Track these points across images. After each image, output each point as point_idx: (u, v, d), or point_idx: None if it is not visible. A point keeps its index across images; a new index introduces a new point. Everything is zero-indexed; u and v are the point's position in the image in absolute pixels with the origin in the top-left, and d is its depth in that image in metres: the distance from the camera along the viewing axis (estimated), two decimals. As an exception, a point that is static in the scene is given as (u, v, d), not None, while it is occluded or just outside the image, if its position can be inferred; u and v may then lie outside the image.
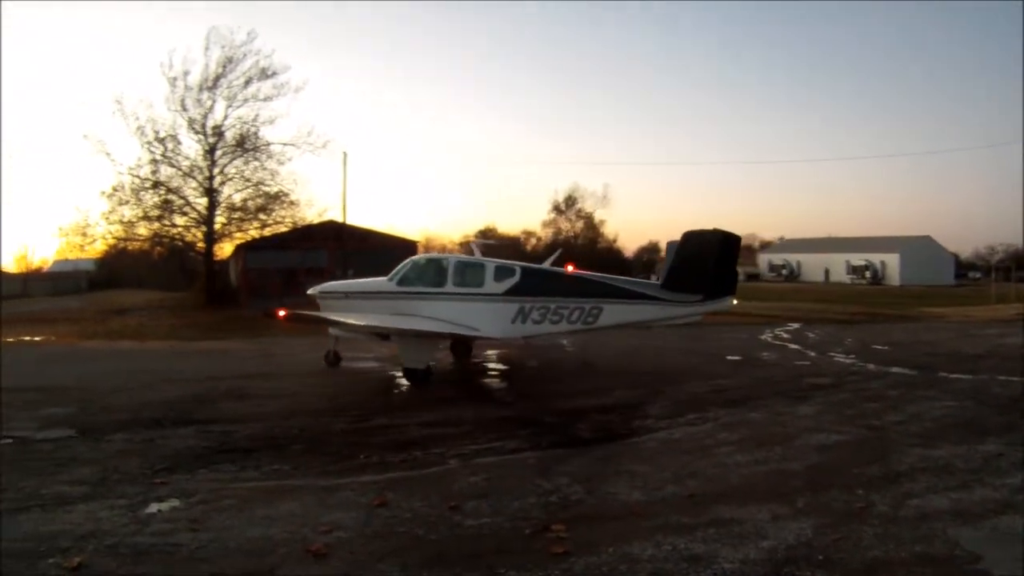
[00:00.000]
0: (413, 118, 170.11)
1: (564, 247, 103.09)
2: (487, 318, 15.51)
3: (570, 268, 16.53)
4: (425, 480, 8.58)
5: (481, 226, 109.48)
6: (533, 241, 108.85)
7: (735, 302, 16.08)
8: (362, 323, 15.20)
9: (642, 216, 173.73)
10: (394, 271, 16.71)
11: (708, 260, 15.30)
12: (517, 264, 16.32)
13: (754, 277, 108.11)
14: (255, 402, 13.87)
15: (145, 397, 14.38)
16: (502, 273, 15.82)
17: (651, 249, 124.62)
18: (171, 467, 9.31)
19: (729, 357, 20.39)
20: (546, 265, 17.31)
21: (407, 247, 46.87)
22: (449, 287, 15.91)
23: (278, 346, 23.72)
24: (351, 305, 16.47)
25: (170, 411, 12.88)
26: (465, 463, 9.27)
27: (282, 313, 13.07)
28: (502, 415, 12.34)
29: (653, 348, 22.84)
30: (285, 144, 43.32)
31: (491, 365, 18.65)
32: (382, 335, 15.86)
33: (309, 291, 17.99)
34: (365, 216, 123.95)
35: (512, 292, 15.59)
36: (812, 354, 21.61)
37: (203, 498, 8.08)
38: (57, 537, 6.84)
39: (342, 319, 14.99)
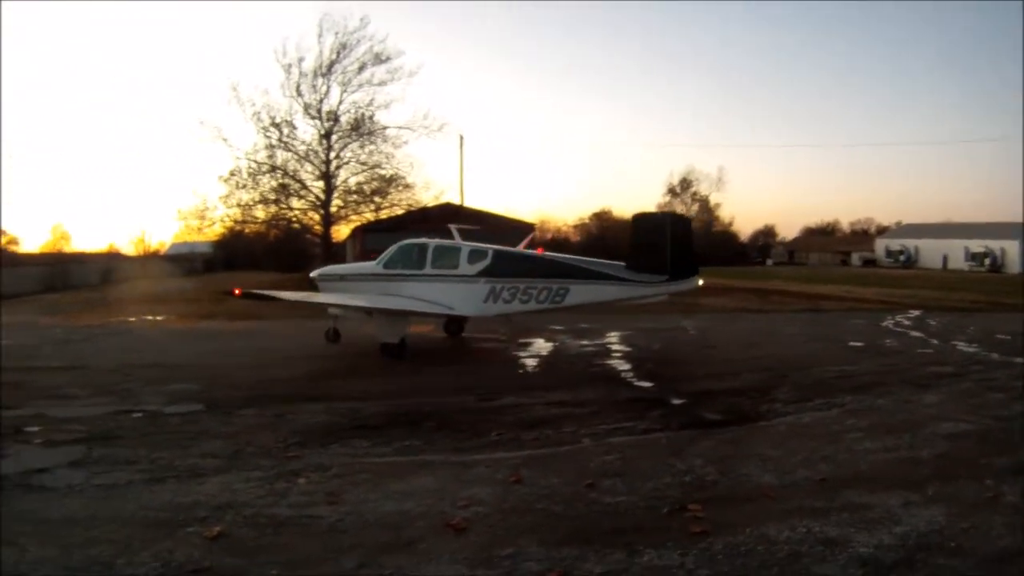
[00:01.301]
0: (528, 101, 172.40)
1: None
2: (461, 297, 17.20)
3: (540, 251, 18.41)
4: (559, 458, 8.80)
5: (596, 209, 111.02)
6: None
7: (700, 282, 17.24)
8: (317, 301, 17.76)
9: (759, 199, 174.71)
10: (382, 255, 18.59)
11: (663, 241, 16.33)
12: (490, 247, 17.77)
13: (871, 263, 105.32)
14: (382, 380, 14.45)
15: (270, 374, 15.07)
16: (475, 256, 17.46)
17: (766, 233, 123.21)
18: (303, 442, 9.72)
19: (851, 343, 20.26)
20: (519, 248, 19.19)
21: (523, 230, 47.61)
22: (428, 269, 17.68)
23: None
24: (345, 286, 18.46)
25: (297, 388, 13.51)
26: (598, 442, 9.50)
27: (237, 291, 15.40)
28: (630, 396, 12.69)
29: (774, 333, 22.90)
30: (400, 128, 45.21)
31: (615, 347, 19.06)
32: (367, 312, 17.51)
33: (311, 274, 19.88)
34: (482, 198, 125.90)
35: (484, 273, 17.24)
36: (935, 342, 21.21)
37: (338, 472, 8.39)
38: (194, 507, 7.20)
39: (297, 297, 17.76)
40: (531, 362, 16.72)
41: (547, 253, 18.24)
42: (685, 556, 5.91)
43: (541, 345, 19.54)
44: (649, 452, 9.04)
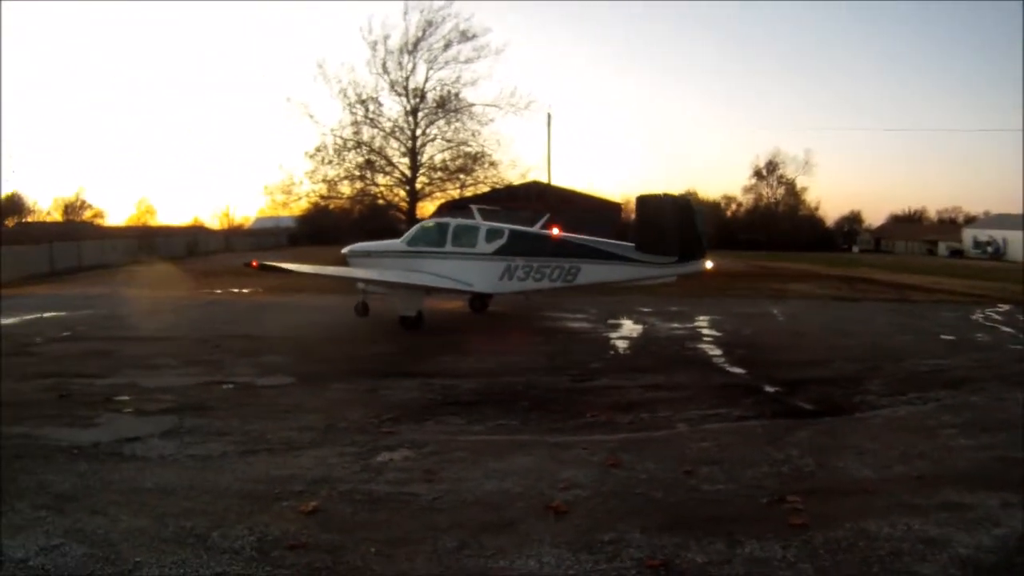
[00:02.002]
0: (615, 80, 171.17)
1: (764, 214, 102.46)
2: (478, 275, 18.24)
3: (555, 231, 18.99)
4: (656, 443, 8.81)
5: (682, 189, 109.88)
6: (733, 207, 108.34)
7: (709, 265, 17.66)
8: (338, 274, 19.42)
9: (846, 184, 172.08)
10: (406, 234, 20.20)
11: (670, 224, 16.86)
12: (507, 226, 18.92)
13: (957, 253, 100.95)
14: (474, 358, 14.56)
15: (359, 349, 15.34)
16: (492, 235, 18.55)
17: (852, 219, 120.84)
18: (397, 417, 9.74)
19: (943, 336, 19.60)
20: (535, 228, 20.44)
21: (610, 209, 49.21)
22: (448, 247, 18.75)
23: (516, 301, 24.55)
24: (372, 262, 19.58)
25: (387, 363, 13.70)
26: (694, 428, 9.48)
27: (254, 263, 16.74)
28: (723, 382, 12.66)
29: (863, 322, 22.29)
30: (487, 105, 45.98)
31: (705, 331, 18.99)
32: (389, 287, 18.40)
33: (343, 250, 21.10)
34: (569, 177, 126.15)
35: (500, 252, 18.28)
36: (1028, 338, 20.32)
37: (434, 449, 8.37)
38: (289, 481, 7.20)
39: (310, 270, 19.31)
40: (622, 344, 16.76)
41: (562, 234, 18.92)
42: (786, 549, 5.83)
43: (631, 327, 19.53)
44: (745, 440, 9.01)
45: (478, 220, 19.51)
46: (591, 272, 17.66)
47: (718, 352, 15.75)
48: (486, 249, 18.35)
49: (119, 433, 8.80)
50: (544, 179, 46.83)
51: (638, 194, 18.44)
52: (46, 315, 21.41)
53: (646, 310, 22.98)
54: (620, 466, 7.80)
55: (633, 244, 17.52)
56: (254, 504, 6.58)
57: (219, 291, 28.21)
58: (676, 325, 20.01)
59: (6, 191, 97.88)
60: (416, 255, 18.95)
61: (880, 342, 17.92)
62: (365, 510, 6.52)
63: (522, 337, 17.62)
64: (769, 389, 11.97)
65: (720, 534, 6.02)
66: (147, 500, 6.66)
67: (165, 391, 11.16)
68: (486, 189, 46.11)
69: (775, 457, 8.23)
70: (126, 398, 10.73)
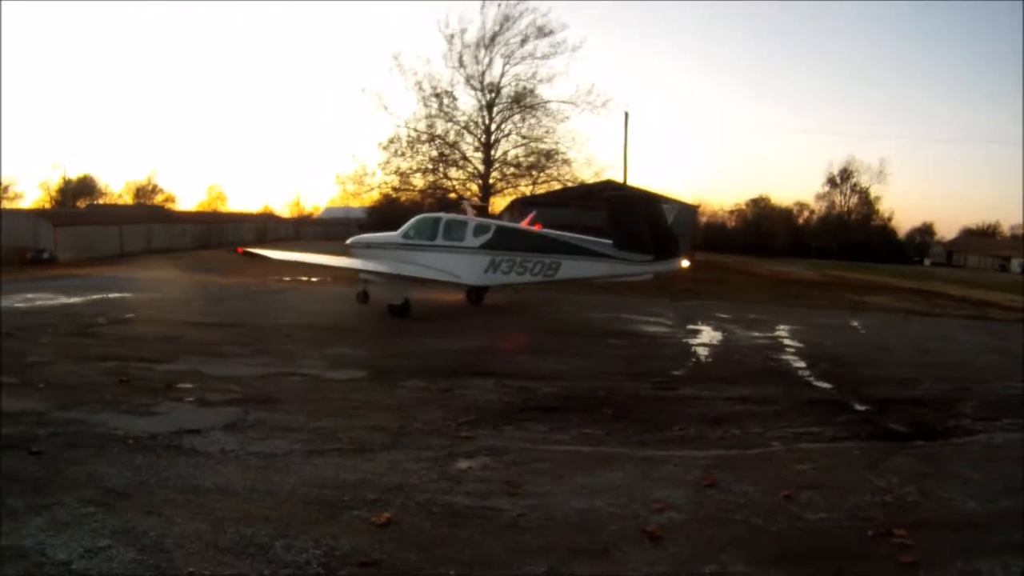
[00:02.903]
0: (691, 81, 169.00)
1: (836, 223, 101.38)
2: (465, 267, 19.44)
3: (538, 228, 20.48)
4: (751, 462, 8.35)
5: (753, 195, 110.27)
6: (806, 214, 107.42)
7: (686, 264, 19.14)
8: (308, 262, 20.67)
9: (919, 195, 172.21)
10: (402, 227, 20.98)
11: (641, 222, 18.06)
12: (494, 222, 20.46)
13: None
14: (554, 359, 14.09)
15: (437, 344, 14.98)
16: (479, 230, 19.81)
17: (924, 231, 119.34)
18: (475, 421, 9.25)
19: None
20: (520, 224, 21.70)
21: (687, 210, 47.97)
22: (439, 240, 19.90)
23: (563, 300, 24.63)
24: (371, 253, 20.70)
25: (463, 360, 13.30)
26: (788, 447, 9.05)
27: (240, 250, 18.60)
28: (811, 397, 12.11)
29: (946, 339, 21.44)
30: (563, 102, 46.23)
31: (786, 341, 18.38)
32: (382, 277, 19.34)
33: (347, 241, 22.63)
34: (642, 177, 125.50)
35: (486, 246, 19.48)
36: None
37: (515, 458, 7.85)
38: (360, 487, 6.73)
39: (290, 258, 20.33)
40: (703, 351, 16.20)
41: (544, 230, 20.39)
42: (899, 591, 5.40)
43: (710, 334, 18.97)
44: (843, 463, 8.54)
45: (468, 216, 20.77)
46: (571, 268, 18.85)
47: (802, 364, 15.14)
48: (473, 243, 19.57)
49: (179, 424, 8.45)
50: (619, 178, 46.41)
51: (607, 193, 21.13)
52: (111, 296, 21.55)
53: (724, 316, 22.55)
54: (716, 486, 7.30)
55: (611, 242, 18.61)
56: (321, 512, 6.12)
57: (287, 278, 28.19)
58: (756, 334, 19.53)
59: (77, 173, 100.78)
60: (410, 247, 20.13)
61: (967, 361, 17.22)
62: (444, 525, 6.03)
63: (600, 340, 17.09)
64: (859, 407, 11.38)
65: (829, 571, 5.68)
66: (205, 501, 6.24)
67: (229, 380, 10.84)
68: (559, 187, 46.27)
69: (876, 484, 7.76)
70: (188, 386, 10.43)
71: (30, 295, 21.11)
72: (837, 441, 9.39)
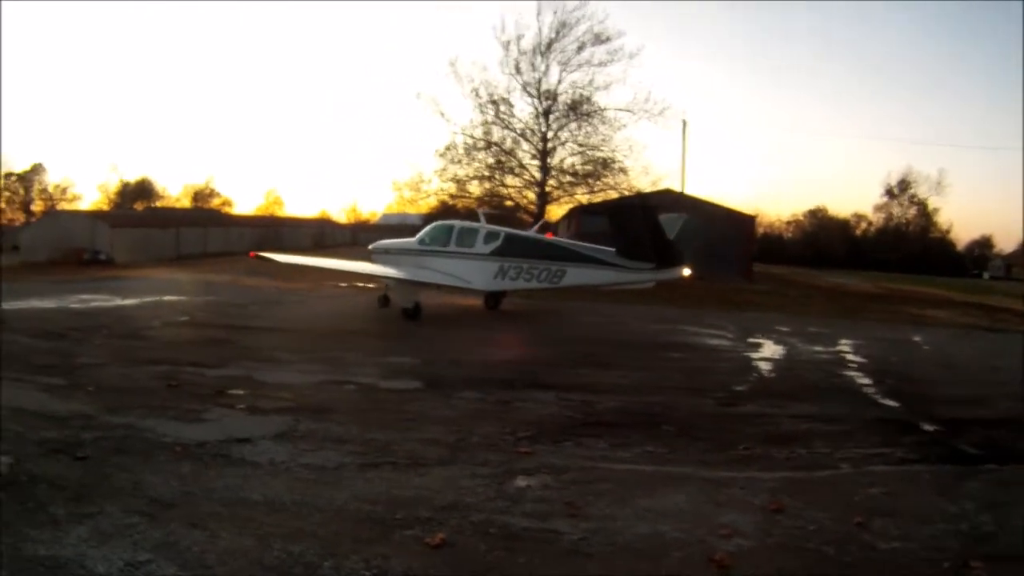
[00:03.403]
0: (745, 89, 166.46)
1: (894, 235, 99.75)
2: (476, 273, 20.02)
3: (548, 236, 21.34)
4: (819, 485, 7.98)
5: (811, 206, 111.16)
6: (863, 225, 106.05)
7: (687, 272, 19.18)
8: (317, 265, 20.85)
9: (978, 207, 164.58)
10: (419, 233, 22.09)
11: (642, 230, 18.37)
12: (503, 230, 21.02)
13: None
14: (611, 372, 13.81)
15: (494, 354, 14.86)
16: (490, 237, 20.41)
17: (983, 243, 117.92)
18: (534, 436, 8.93)
19: None
20: (530, 232, 22.12)
21: (744, 220, 48.22)
22: (452, 247, 20.61)
23: (622, 312, 24.36)
24: (390, 258, 21.53)
25: (522, 372, 13.01)
26: (857, 469, 8.63)
27: (252, 254, 19.05)
28: (878, 416, 11.61)
29: (1014, 356, 20.50)
30: (620, 110, 45.61)
31: (849, 356, 17.88)
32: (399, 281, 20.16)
33: (369, 247, 23.64)
34: (698, 186, 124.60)
35: (496, 253, 20.08)
36: None
37: (576, 477, 7.54)
38: (414, 504, 6.47)
39: (299, 261, 20.86)
40: (764, 366, 15.77)
41: (553, 238, 21.38)
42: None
43: (771, 348, 18.53)
44: (914, 488, 8.09)
45: (480, 223, 21.32)
46: (576, 275, 19.40)
47: (867, 381, 14.65)
48: (484, 250, 20.19)
49: (228, 432, 8.31)
50: (676, 187, 46.15)
51: (606, 202, 22.22)
52: (166, 298, 21.70)
53: (785, 329, 22.08)
54: (784, 512, 6.92)
55: (614, 250, 19.02)
56: (373, 530, 5.89)
57: (344, 285, 28.22)
58: (818, 348, 19.03)
59: (136, 176, 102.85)
60: (425, 253, 20.91)
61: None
62: (500, 548, 5.75)
63: (660, 352, 16.80)
64: (928, 427, 10.95)
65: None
66: (252, 514, 6.05)
67: (281, 388, 10.72)
68: (615, 195, 45.19)
69: (949, 511, 7.35)
70: (239, 392, 10.33)
71: (85, 296, 21.35)
72: (907, 463, 8.99)
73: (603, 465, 8.03)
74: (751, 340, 19.41)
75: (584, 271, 19.30)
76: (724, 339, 19.60)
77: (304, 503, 6.35)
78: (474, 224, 21.39)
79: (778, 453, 8.95)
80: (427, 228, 22.13)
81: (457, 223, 21.89)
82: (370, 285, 28.28)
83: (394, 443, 8.24)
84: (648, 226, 18.41)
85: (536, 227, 22.97)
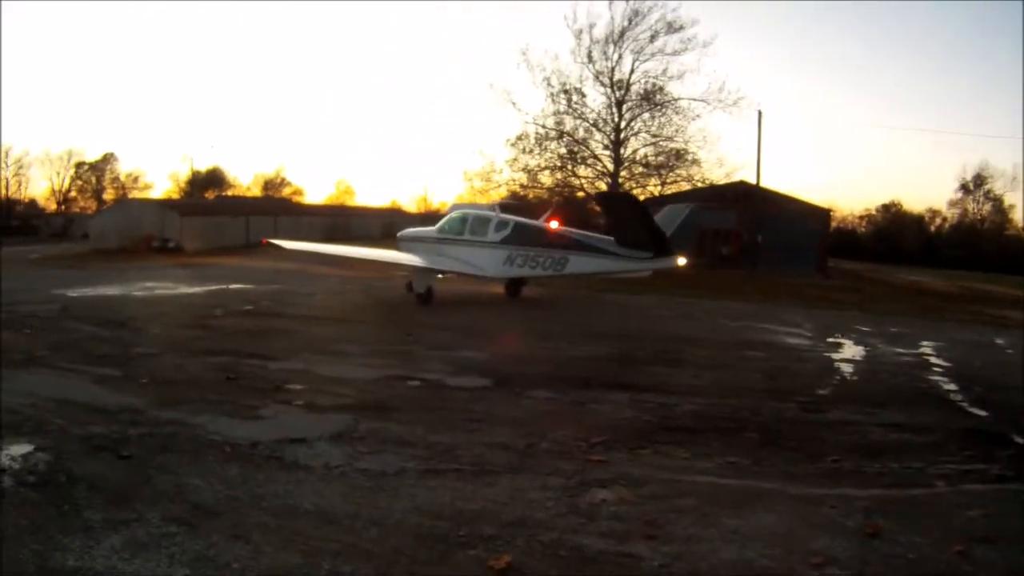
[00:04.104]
0: (822, 80, 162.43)
1: (969, 232, 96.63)
2: (487, 261, 20.95)
3: (553, 224, 21.51)
4: (915, 506, 7.33)
5: (884, 200, 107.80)
6: (937, 221, 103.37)
7: (682, 261, 19.92)
8: (326, 252, 22.70)
9: None
10: (439, 222, 23.26)
11: (635, 219, 19.16)
12: (513, 219, 21.80)
13: None
14: (691, 371, 13.16)
15: (566, 349, 14.30)
16: (500, 226, 21.27)
17: None
18: (608, 442, 8.35)
19: None
20: (538, 222, 22.49)
21: (819, 215, 47.59)
22: (466, 235, 21.59)
23: (690, 305, 23.93)
24: (413, 246, 22.53)
25: (595, 369, 12.49)
26: (952, 488, 7.95)
27: (264, 241, 21.36)
28: (968, 426, 10.82)
29: None
30: (694, 100, 45.16)
31: (932, 359, 16.98)
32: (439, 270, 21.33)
33: (398, 234, 24.65)
34: (774, 178, 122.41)
35: (504, 241, 20.93)
36: None
37: (655, 491, 6.97)
38: (478, 519, 5.99)
39: (310, 248, 23.59)
40: (847, 368, 14.92)
41: (559, 227, 21.41)
42: None
43: (852, 348, 17.64)
44: (1014, 510, 7.47)
45: (492, 213, 22.28)
46: (578, 263, 20.11)
47: (953, 387, 13.79)
48: (494, 238, 21.04)
49: (283, 431, 7.93)
50: (750, 179, 45.20)
51: (596, 193, 24.05)
52: (232, 287, 21.68)
53: (864, 328, 21.09)
54: (880, 536, 6.31)
55: (612, 239, 19.84)
56: (433, 548, 5.41)
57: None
58: (900, 349, 18.08)
59: (207, 165, 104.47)
60: (443, 241, 21.88)
61: None
62: (573, 574, 5.21)
63: (736, 350, 16.02)
64: (1020, 440, 10.17)
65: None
66: (301, 527, 5.62)
67: (343, 383, 10.34)
68: (687, 187, 45.06)
69: None
70: (298, 387, 9.98)
71: (150, 284, 21.48)
72: (1003, 481, 8.28)
73: (684, 478, 7.44)
74: (830, 340, 18.61)
75: (585, 259, 20.05)
76: (802, 337, 18.81)
77: (359, 515, 5.90)
78: (487, 213, 22.52)
79: (869, 467, 8.32)
80: (446, 218, 23.40)
81: (472, 212, 23.10)
82: (439, 276, 28.13)
83: (459, 447, 7.77)
84: (639, 215, 19.33)
85: (545, 216, 23.36)
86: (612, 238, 19.80)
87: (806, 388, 12.35)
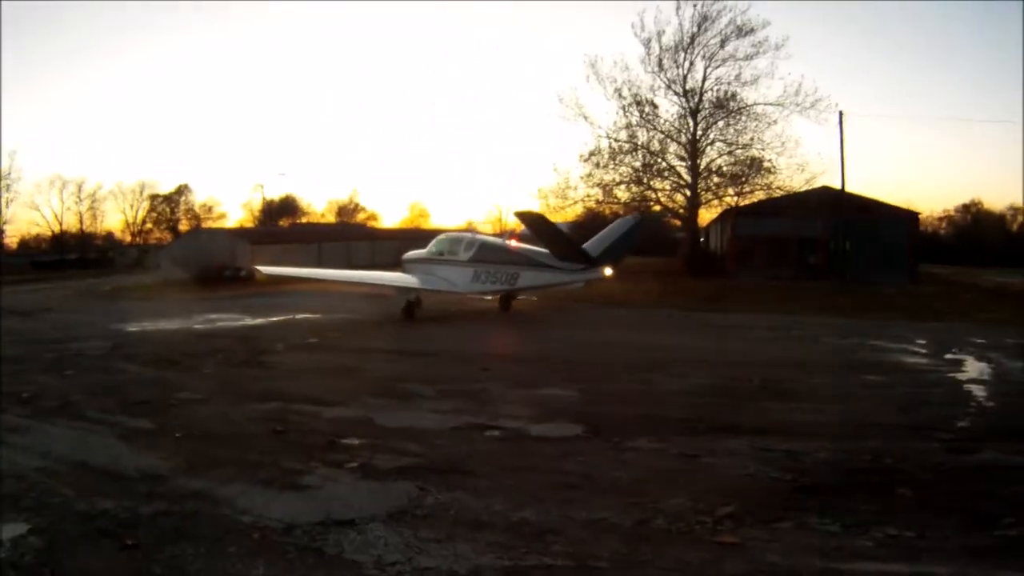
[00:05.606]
0: (898, 79, 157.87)
1: None
2: (460, 278, 22.90)
3: (512, 243, 23.88)
4: None
5: (964, 199, 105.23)
6: (1020, 219, 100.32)
7: (609, 272, 22.87)
8: (317, 277, 26.77)
9: None
10: (430, 244, 25.03)
11: (555, 235, 22.35)
12: (480, 237, 24.81)
13: None
14: (806, 404, 11.26)
15: (663, 383, 12.66)
16: (469, 246, 23.47)
17: None
18: (736, 513, 6.55)
19: None
20: (501, 240, 25.07)
21: (907, 218, 45.97)
22: (446, 256, 23.69)
23: (787, 323, 22.13)
24: (412, 267, 24.67)
25: (699, 407, 10.73)
26: None
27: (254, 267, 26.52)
28: None
29: None
30: (769, 104, 44.34)
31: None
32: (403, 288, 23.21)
33: (403, 256, 26.56)
34: (864, 183, 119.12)
35: (472, 260, 22.96)
36: None
37: None
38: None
39: (302, 274, 27.33)
40: (978, 391, 12.75)
41: (515, 244, 23.70)
42: None
43: (976, 366, 15.40)
44: None
45: (465, 234, 25.21)
46: (527, 277, 22.41)
47: None
48: (464, 257, 23.12)
49: (328, 508, 6.36)
50: (834, 184, 43.37)
51: (516, 211, 26.39)
52: (297, 317, 21.02)
53: (979, 341, 18.70)
54: None
55: (550, 253, 22.06)
56: None
57: (489, 298, 26.72)
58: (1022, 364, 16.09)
59: (280, 193, 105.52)
60: (431, 261, 23.98)
61: None
62: None
63: (852, 374, 14.00)
64: None
65: None
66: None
67: (407, 436, 8.83)
68: (762, 196, 44.28)
69: None
70: (355, 442, 8.51)
71: (213, 315, 21.03)
72: None
73: (843, 567, 5.65)
74: (947, 356, 16.49)
75: (533, 273, 22.28)
76: (918, 356, 16.68)
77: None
78: (461, 234, 25.64)
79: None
80: (435, 240, 25.31)
81: (453, 234, 25.81)
82: (520, 296, 27.04)
83: (551, 529, 6.05)
84: (553, 231, 22.52)
85: (505, 235, 26.06)
86: (547, 251, 22.06)
87: (944, 420, 10.41)
